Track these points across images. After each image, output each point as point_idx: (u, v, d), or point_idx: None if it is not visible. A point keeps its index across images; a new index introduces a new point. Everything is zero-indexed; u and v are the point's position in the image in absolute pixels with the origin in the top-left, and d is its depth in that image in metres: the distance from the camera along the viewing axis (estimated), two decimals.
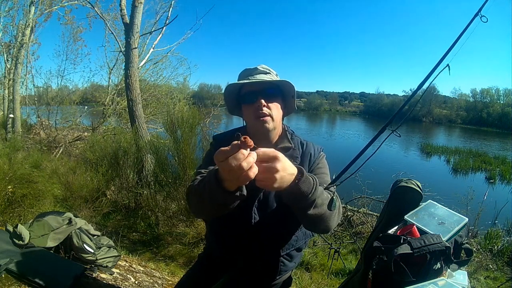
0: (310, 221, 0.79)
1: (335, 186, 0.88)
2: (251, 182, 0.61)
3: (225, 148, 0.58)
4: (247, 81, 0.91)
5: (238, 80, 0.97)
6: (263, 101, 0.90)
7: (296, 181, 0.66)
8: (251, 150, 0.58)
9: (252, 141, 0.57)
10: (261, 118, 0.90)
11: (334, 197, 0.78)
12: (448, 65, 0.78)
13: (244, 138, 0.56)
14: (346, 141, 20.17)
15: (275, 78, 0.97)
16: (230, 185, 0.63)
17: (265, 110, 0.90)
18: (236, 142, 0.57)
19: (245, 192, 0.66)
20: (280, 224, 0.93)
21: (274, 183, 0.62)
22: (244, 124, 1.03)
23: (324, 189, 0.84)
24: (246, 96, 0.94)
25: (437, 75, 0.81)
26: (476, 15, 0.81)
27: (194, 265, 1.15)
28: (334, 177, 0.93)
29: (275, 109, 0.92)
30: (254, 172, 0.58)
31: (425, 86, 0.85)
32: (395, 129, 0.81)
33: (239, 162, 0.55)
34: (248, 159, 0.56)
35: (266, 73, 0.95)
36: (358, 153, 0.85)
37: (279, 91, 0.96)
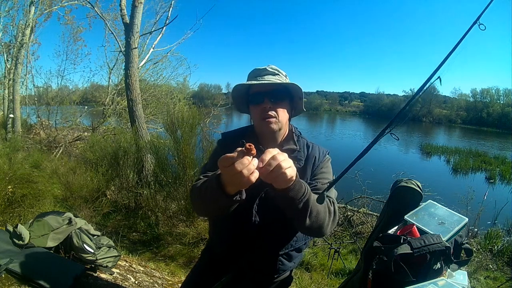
0: (304, 227, 0.80)
1: (334, 187, 0.89)
2: (253, 183, 0.65)
3: (230, 154, 0.63)
4: (255, 82, 0.92)
5: (247, 80, 0.98)
6: (269, 102, 0.91)
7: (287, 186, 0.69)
8: (253, 157, 0.63)
9: (255, 149, 0.62)
10: (267, 119, 0.91)
11: (325, 193, 0.79)
12: (439, 77, 0.79)
13: (249, 145, 0.62)
14: (346, 141, 20.17)
15: (283, 79, 0.97)
16: (231, 189, 0.68)
17: (271, 112, 0.91)
18: (240, 149, 0.63)
19: (244, 196, 0.71)
20: (279, 224, 0.93)
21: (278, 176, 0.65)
22: (252, 123, 1.04)
23: (323, 191, 0.85)
24: (254, 97, 0.95)
25: (432, 82, 0.81)
26: (475, 23, 0.81)
27: (197, 262, 1.17)
28: (333, 179, 0.93)
29: (281, 111, 0.93)
30: (255, 177, 0.62)
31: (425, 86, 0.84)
32: (390, 130, 0.81)
33: (244, 167, 0.61)
34: (249, 166, 0.61)
35: (274, 74, 0.95)
36: (357, 155, 0.85)
37: (286, 93, 0.96)
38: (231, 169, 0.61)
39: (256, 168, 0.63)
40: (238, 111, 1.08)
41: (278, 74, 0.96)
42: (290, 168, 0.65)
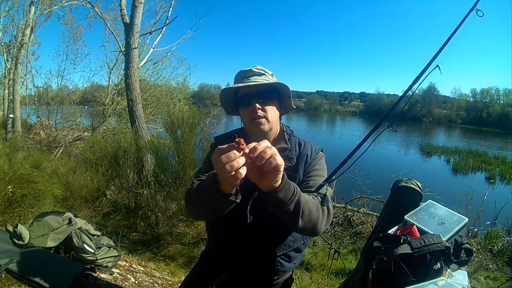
0: (298, 229, 0.79)
1: (334, 183, 0.89)
2: (246, 184, 0.65)
3: (222, 146, 0.62)
4: (242, 84, 0.92)
5: (234, 82, 0.98)
6: (257, 103, 0.91)
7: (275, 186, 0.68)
8: (243, 153, 0.61)
9: (245, 144, 0.61)
10: (256, 120, 0.91)
11: (327, 193, 0.79)
12: (438, 65, 0.78)
13: (239, 139, 0.60)
14: (346, 141, 20.15)
15: (270, 79, 0.97)
16: (225, 187, 0.67)
17: (260, 112, 0.91)
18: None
19: (239, 198, 0.71)
20: (275, 225, 0.92)
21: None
22: (242, 125, 1.04)
23: (317, 188, 0.86)
24: (242, 99, 0.95)
25: (428, 74, 0.80)
26: (472, 9, 0.80)
27: (197, 263, 1.18)
28: (329, 175, 0.93)
29: (270, 111, 0.93)
30: (241, 173, 0.60)
31: (419, 83, 0.84)
32: (384, 122, 0.81)
33: (229, 161, 0.59)
34: (233, 163, 0.59)
35: (260, 74, 0.96)
36: (353, 149, 0.85)
37: (274, 92, 0.96)
38: (218, 161, 0.60)
39: (244, 154, 0.60)
40: (228, 114, 1.08)
41: (265, 74, 0.96)
42: (278, 156, 0.62)
